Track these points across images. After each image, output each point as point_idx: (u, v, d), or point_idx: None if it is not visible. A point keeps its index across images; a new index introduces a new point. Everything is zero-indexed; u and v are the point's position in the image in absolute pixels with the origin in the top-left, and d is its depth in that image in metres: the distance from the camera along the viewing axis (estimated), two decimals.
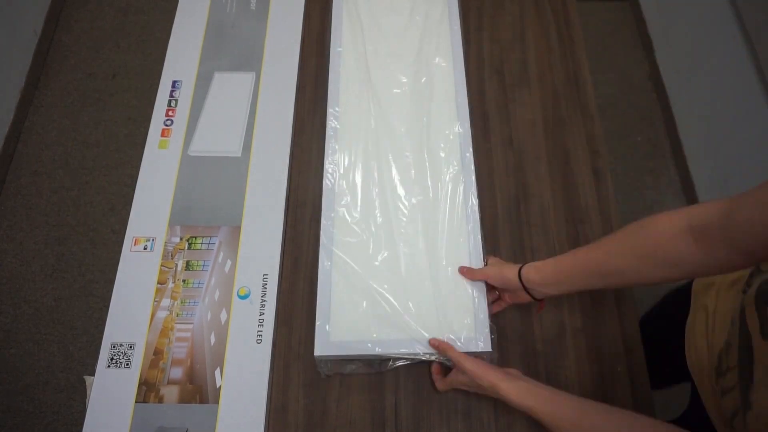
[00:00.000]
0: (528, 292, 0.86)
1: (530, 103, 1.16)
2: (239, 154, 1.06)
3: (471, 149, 1.05)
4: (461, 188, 1.01)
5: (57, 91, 2.25)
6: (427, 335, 0.88)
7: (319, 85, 1.17)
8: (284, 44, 1.19)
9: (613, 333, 0.96)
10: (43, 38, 2.29)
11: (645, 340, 0.96)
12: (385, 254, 0.95)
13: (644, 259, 0.72)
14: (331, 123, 1.06)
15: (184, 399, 0.86)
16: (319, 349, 0.87)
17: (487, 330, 0.89)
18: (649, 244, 0.72)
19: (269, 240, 0.99)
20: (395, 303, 0.91)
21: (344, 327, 0.89)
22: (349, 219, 0.98)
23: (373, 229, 0.97)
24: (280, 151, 1.07)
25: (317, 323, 0.89)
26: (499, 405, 0.89)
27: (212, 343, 0.90)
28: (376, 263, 0.94)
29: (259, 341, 0.90)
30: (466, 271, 0.94)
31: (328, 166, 1.02)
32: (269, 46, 1.19)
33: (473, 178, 1.02)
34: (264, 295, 0.94)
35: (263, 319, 0.92)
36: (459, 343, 0.87)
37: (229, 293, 0.94)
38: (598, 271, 0.78)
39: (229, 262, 0.96)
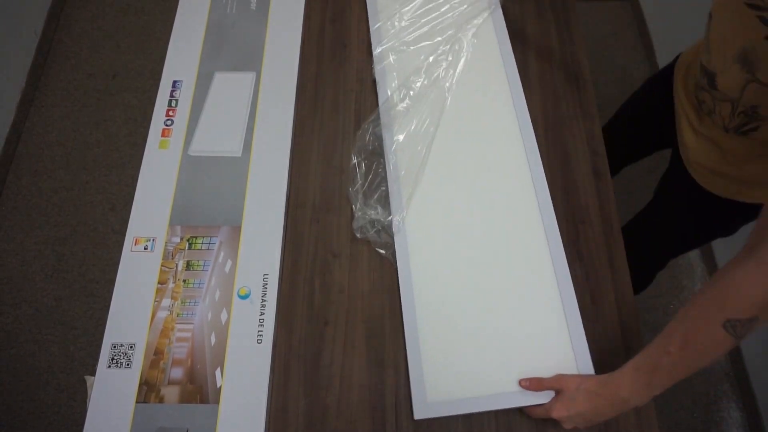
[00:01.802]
0: None
1: (530, 103, 1.16)
2: (239, 154, 1.07)
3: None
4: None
5: (57, 92, 2.25)
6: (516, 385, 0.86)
7: (319, 84, 1.17)
8: (284, 44, 1.19)
9: (613, 333, 0.96)
10: (43, 38, 2.29)
11: (629, 119, 1.24)
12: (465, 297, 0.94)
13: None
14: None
15: (185, 399, 0.86)
16: (419, 413, 0.86)
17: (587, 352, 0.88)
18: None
19: (270, 240, 0.99)
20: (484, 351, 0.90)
21: (439, 385, 0.87)
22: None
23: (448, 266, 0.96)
24: (281, 151, 1.07)
25: (412, 385, 0.88)
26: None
27: (213, 343, 0.90)
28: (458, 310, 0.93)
29: (259, 341, 0.90)
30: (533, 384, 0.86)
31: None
32: (269, 46, 1.19)
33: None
34: (264, 295, 0.94)
35: (263, 319, 0.92)
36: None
37: (229, 293, 0.94)
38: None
39: (229, 262, 0.96)
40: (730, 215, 1.11)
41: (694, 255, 1.98)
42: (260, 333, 0.91)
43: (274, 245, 0.98)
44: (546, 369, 0.87)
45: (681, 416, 1.74)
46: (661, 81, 1.20)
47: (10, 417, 1.72)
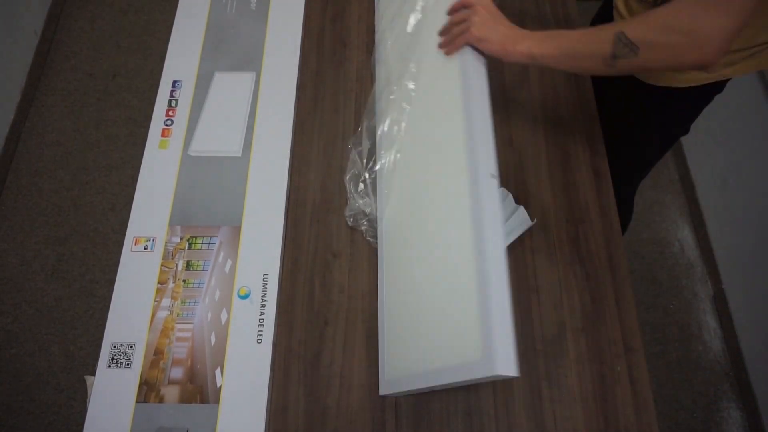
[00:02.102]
0: None
1: (530, 103, 1.16)
2: (239, 154, 1.07)
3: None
4: None
5: (57, 92, 2.25)
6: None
7: (319, 84, 1.17)
8: (284, 44, 1.19)
9: (613, 333, 0.96)
10: (43, 39, 2.29)
11: None
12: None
13: None
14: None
15: (185, 399, 0.86)
16: (382, 389, 0.88)
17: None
18: None
19: (269, 240, 0.99)
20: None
21: (397, 363, 0.88)
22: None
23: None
24: (281, 150, 1.07)
25: (379, 365, 0.90)
26: (500, 405, 0.90)
27: (213, 343, 0.90)
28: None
29: (259, 341, 0.90)
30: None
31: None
32: (269, 46, 1.19)
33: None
34: (264, 295, 0.94)
35: (263, 319, 0.92)
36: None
37: (229, 293, 0.94)
38: None
39: (229, 262, 0.96)
40: (675, 106, 1.09)
41: (694, 255, 1.98)
42: (260, 333, 0.91)
43: (274, 245, 0.98)
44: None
45: (681, 416, 1.74)
46: (603, 14, 1.20)
47: (10, 417, 1.72)
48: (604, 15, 1.20)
